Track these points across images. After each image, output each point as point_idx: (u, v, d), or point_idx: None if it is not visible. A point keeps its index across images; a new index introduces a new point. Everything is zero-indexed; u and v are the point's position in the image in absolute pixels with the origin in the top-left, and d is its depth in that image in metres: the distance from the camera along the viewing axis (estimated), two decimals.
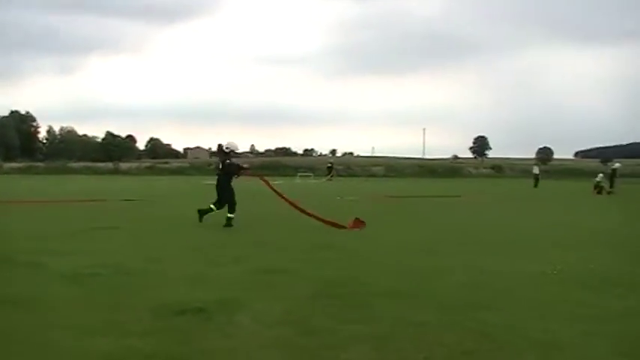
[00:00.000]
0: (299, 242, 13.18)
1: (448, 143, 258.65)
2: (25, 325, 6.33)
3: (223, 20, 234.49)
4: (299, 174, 60.14)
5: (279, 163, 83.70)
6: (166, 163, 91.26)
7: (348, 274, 9.36)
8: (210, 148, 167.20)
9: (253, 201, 23.13)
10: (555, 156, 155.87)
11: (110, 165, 77.49)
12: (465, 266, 10.20)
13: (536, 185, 49.33)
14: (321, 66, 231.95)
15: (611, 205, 29.48)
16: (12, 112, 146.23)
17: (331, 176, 59.69)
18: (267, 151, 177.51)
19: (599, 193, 38.72)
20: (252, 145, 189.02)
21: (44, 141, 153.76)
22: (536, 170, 53.66)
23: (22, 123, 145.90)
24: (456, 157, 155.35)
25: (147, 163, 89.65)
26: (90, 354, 5.41)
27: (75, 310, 6.95)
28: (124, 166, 78.09)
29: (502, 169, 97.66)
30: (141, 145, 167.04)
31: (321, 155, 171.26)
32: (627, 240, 14.84)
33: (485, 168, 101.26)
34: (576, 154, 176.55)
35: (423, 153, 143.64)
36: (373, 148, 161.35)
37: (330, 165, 65.45)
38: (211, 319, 6.61)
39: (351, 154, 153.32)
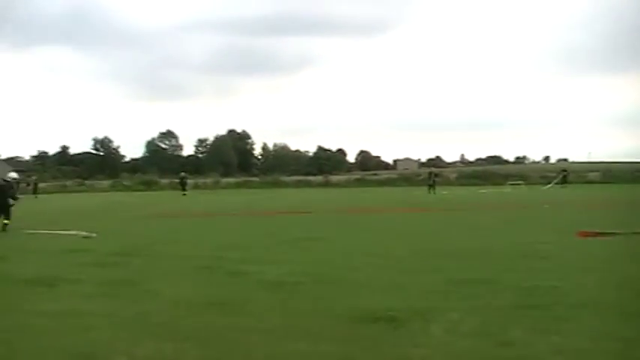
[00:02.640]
0: (502, 250, 12.83)
1: None
2: (227, 327, 6.72)
3: (430, 28, 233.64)
4: (509, 183, 58.33)
5: (489, 171, 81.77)
6: (375, 174, 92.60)
7: (550, 284, 8.93)
8: (419, 159, 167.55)
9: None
10: None
11: (321, 178, 80.00)
12: None
13: None
14: (532, 68, 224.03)
15: None
16: (229, 131, 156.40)
17: (562, 181, 57.73)
18: (477, 159, 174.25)
19: None
20: (462, 155, 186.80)
21: (259, 157, 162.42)
22: None
23: (238, 141, 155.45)
24: None
25: (356, 175, 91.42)
26: (284, 357, 5.61)
27: (274, 316, 7.26)
28: (334, 178, 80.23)
29: None
30: (351, 157, 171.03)
31: (533, 162, 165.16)
32: None
33: None
34: None
35: None
36: (589, 153, 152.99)
37: (563, 170, 63.50)
38: (404, 327, 6.60)
39: (566, 160, 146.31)
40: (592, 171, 79.62)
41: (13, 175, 21.53)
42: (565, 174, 60.76)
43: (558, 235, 15.76)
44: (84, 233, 17.40)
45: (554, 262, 11.33)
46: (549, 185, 56.07)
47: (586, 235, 15.04)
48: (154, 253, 13.48)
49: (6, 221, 19.33)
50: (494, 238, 15.49)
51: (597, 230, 15.42)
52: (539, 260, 11.46)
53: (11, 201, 19.85)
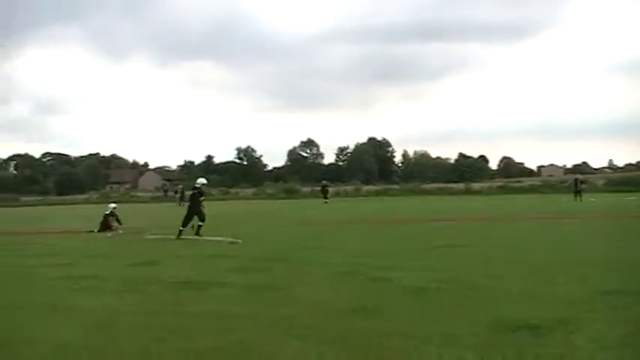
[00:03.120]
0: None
1: None
2: (368, 331, 6.88)
3: (569, 32, 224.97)
4: None
5: (638, 177, 77.47)
6: (518, 182, 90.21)
7: None
8: (564, 165, 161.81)
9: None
10: None
11: (462, 185, 78.87)
12: None
13: None
14: None
15: None
16: (369, 138, 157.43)
17: None
18: (627, 165, 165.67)
19: None
20: (611, 160, 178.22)
21: (399, 164, 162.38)
22: None
23: (379, 149, 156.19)
24: None
25: (499, 182, 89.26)
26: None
27: (414, 321, 7.35)
28: (475, 186, 78.84)
29: None
30: (493, 164, 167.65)
31: None
32: None
33: None
34: None
35: None
36: None
37: None
38: (546, 336, 6.50)
39: None
40: None
41: (203, 180, 22.47)
42: None
43: None
44: (230, 239, 18.17)
45: None
46: None
47: None
48: (297, 259, 13.85)
49: (200, 223, 20.63)
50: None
51: None
52: None
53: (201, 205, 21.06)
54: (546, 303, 8.26)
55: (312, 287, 10.08)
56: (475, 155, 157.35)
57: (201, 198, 21.34)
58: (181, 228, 20.18)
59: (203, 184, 22.12)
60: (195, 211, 20.86)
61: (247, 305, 8.63)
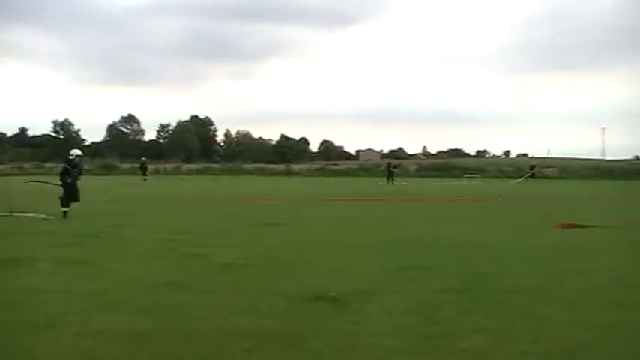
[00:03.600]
0: (450, 239, 13.50)
1: (630, 143, 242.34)
2: (177, 303, 7.21)
3: (393, 22, 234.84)
4: (465, 176, 59.44)
5: (448, 164, 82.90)
6: (336, 164, 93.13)
7: (487, 270, 9.54)
8: (381, 150, 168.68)
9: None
10: None
11: (282, 166, 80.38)
12: (605, 267, 10.06)
13: None
14: (495, 65, 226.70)
15: None
16: (192, 117, 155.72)
17: (530, 176, 58.92)
18: (439, 152, 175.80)
19: None
20: (425, 147, 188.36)
21: (221, 144, 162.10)
22: None
23: (201, 127, 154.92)
24: (637, 159, 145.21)
25: (317, 164, 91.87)
26: (227, 331, 6.08)
27: (221, 294, 7.76)
28: (295, 167, 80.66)
29: None
30: (314, 147, 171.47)
31: (494, 157, 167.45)
32: None
33: None
34: None
35: (603, 154, 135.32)
36: (549, 149, 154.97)
37: (533, 165, 64.88)
38: (343, 307, 7.11)
39: (525, 155, 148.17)
40: (548, 167, 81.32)
41: (77, 152, 19.88)
42: (534, 170, 62.05)
43: (506, 226, 16.59)
44: (42, 216, 17.62)
45: (495, 251, 11.98)
46: (519, 180, 57.13)
47: (564, 226, 15.96)
48: (112, 235, 13.82)
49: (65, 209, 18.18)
50: (443, 228, 16.08)
51: (575, 223, 16.36)
52: (482, 249, 12.10)
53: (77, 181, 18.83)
54: (349, 277, 8.92)
55: (126, 262, 10.22)
56: (297, 137, 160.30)
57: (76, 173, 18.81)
58: (63, 209, 18.14)
59: (77, 155, 19.47)
60: (69, 188, 18.49)
61: (59, 279, 8.67)
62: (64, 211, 18.07)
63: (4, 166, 72.52)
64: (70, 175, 18.67)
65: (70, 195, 18.50)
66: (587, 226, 15.92)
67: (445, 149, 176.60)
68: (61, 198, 18.49)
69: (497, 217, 20.31)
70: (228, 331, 6.06)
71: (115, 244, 12.43)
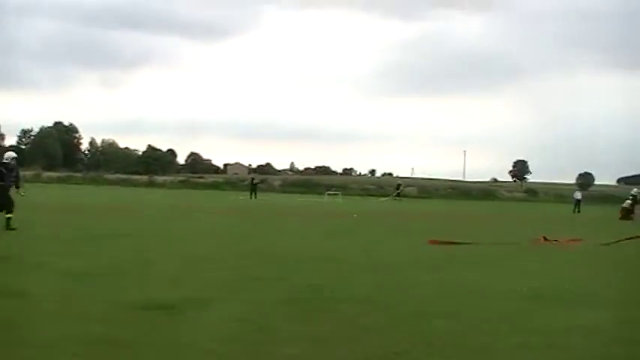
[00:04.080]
0: (302, 252, 14.11)
1: (489, 166, 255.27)
2: (9, 310, 7.17)
3: (267, 38, 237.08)
4: (327, 192, 60.72)
5: (312, 181, 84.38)
6: (201, 177, 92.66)
7: (326, 282, 9.95)
8: (250, 165, 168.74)
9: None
10: (597, 182, 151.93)
11: (145, 177, 79.07)
12: (439, 280, 10.70)
13: (576, 210, 48.33)
14: (366, 86, 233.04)
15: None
16: (56, 123, 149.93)
17: (397, 194, 60.93)
18: (306, 169, 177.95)
19: (624, 217, 36.40)
20: (292, 163, 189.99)
21: (86, 152, 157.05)
22: (578, 195, 51.92)
23: (65, 134, 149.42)
24: (495, 180, 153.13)
25: (182, 177, 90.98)
26: (55, 338, 6.08)
27: (55, 302, 7.73)
28: (159, 179, 79.60)
29: (536, 193, 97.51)
30: (181, 159, 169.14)
31: (360, 175, 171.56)
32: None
33: (519, 192, 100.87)
34: (619, 180, 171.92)
35: (464, 175, 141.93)
36: (412, 169, 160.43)
37: (399, 184, 67.00)
38: (180, 314, 7.30)
39: (390, 174, 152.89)
40: (409, 186, 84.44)
41: (12, 154, 17.89)
42: (400, 188, 64.45)
43: (357, 241, 17.25)
44: None
45: (340, 264, 12.46)
46: (385, 198, 58.95)
47: (435, 242, 16.71)
48: None
49: (9, 215, 16.30)
50: (297, 242, 16.57)
51: (445, 240, 17.16)
52: (329, 263, 12.55)
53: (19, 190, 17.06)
54: (190, 287, 9.10)
55: None
56: (164, 149, 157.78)
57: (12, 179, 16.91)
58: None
59: (13, 158, 17.42)
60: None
61: None
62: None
63: None
64: (4, 180, 16.54)
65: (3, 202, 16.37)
66: (455, 243, 16.73)
67: (313, 166, 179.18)
68: None
69: (351, 232, 20.99)
70: (59, 337, 6.08)
71: None
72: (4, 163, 17.08)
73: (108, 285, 9.02)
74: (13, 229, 15.82)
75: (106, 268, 10.54)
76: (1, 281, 8.97)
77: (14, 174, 17.09)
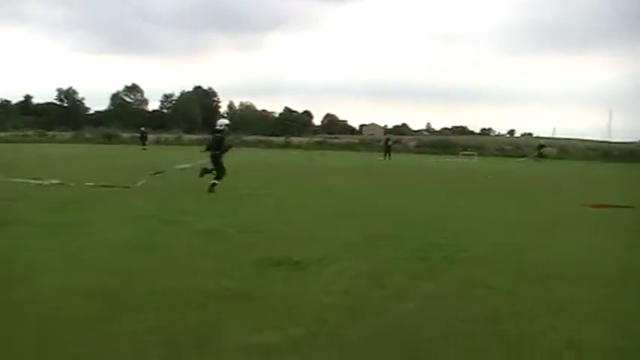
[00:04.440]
0: (427, 212, 14.17)
1: (637, 125, 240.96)
2: (146, 265, 7.78)
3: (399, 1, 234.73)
4: (462, 153, 59.67)
5: (448, 141, 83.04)
6: (336, 138, 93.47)
7: (452, 242, 10.04)
8: (385, 125, 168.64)
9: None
10: None
11: (282, 139, 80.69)
12: (573, 245, 10.51)
13: None
14: (501, 43, 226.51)
15: None
16: (195, 87, 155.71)
17: (538, 155, 59.36)
18: (443, 129, 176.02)
19: None
20: (429, 123, 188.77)
21: (225, 115, 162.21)
22: None
23: (204, 98, 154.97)
24: None
25: (317, 137, 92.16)
26: (186, 290, 6.59)
27: (189, 258, 8.30)
28: (295, 140, 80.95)
29: None
30: (317, 121, 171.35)
31: (498, 135, 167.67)
32: None
33: None
34: None
35: (610, 135, 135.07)
36: (554, 129, 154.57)
37: (541, 144, 65.09)
38: (301, 270, 7.70)
39: (530, 134, 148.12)
40: (552, 146, 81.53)
41: (225, 121, 18.45)
42: (542, 149, 62.30)
43: (487, 202, 17.11)
44: (35, 182, 18.12)
45: (471, 223, 12.55)
46: (524, 158, 57.53)
47: (593, 206, 16.46)
48: (100, 201, 14.37)
49: (215, 181, 16.96)
50: (425, 202, 16.73)
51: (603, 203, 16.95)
52: (459, 222, 12.69)
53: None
54: (316, 245, 9.46)
55: (110, 226, 10.78)
56: (300, 110, 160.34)
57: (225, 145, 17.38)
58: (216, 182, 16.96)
59: (226, 125, 18.08)
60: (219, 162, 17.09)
61: (44, 240, 9.22)
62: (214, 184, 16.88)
63: (7, 134, 72.85)
64: (221, 146, 17.14)
65: (222, 169, 17.13)
66: (612, 206, 16.39)
67: (449, 126, 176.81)
68: (208, 171, 17.21)
69: (482, 193, 20.74)
70: (189, 289, 6.58)
71: (103, 210, 13.00)
72: (219, 129, 17.52)
73: (241, 243, 9.56)
74: (212, 192, 16.56)
75: (241, 226, 11.04)
76: (141, 237, 9.71)
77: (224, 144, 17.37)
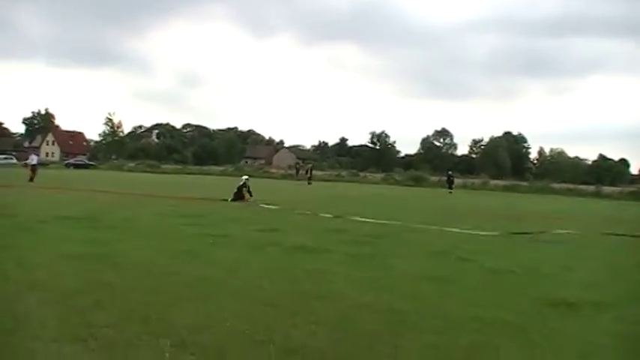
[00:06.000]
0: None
1: None
2: (436, 294, 8.78)
3: None
4: None
5: None
6: None
7: None
8: None
9: None
10: None
11: (592, 188, 76.59)
12: None
13: None
14: None
15: None
16: (505, 133, 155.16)
17: None
18: None
19: None
20: None
21: (534, 161, 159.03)
22: None
23: (514, 143, 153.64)
24: None
25: (631, 187, 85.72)
26: (467, 319, 7.45)
27: (477, 291, 9.23)
28: (606, 189, 76.18)
29: None
30: (635, 169, 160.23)
31: None
32: None
33: None
34: None
35: None
36: None
37: None
38: (576, 312, 8.21)
39: None
40: None
41: None
42: None
43: None
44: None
45: None
46: None
47: None
48: (399, 238, 15.72)
49: None
50: None
51: None
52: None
53: None
54: (597, 291, 9.76)
55: (405, 259, 12.02)
56: (616, 158, 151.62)
57: None
58: None
59: None
60: None
61: (343, 267, 10.66)
62: None
63: (324, 173, 79.33)
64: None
65: None
66: None
67: None
68: None
69: None
70: (467, 316, 7.48)
71: (402, 245, 14.36)
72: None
73: (525, 283, 10.16)
74: None
75: (527, 268, 11.67)
76: (432, 270, 10.70)
77: None
